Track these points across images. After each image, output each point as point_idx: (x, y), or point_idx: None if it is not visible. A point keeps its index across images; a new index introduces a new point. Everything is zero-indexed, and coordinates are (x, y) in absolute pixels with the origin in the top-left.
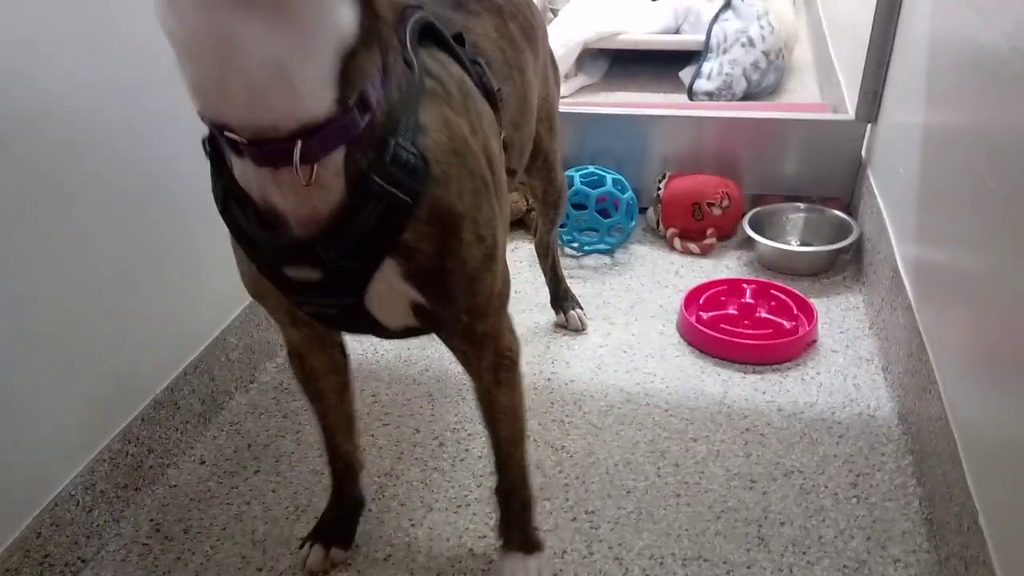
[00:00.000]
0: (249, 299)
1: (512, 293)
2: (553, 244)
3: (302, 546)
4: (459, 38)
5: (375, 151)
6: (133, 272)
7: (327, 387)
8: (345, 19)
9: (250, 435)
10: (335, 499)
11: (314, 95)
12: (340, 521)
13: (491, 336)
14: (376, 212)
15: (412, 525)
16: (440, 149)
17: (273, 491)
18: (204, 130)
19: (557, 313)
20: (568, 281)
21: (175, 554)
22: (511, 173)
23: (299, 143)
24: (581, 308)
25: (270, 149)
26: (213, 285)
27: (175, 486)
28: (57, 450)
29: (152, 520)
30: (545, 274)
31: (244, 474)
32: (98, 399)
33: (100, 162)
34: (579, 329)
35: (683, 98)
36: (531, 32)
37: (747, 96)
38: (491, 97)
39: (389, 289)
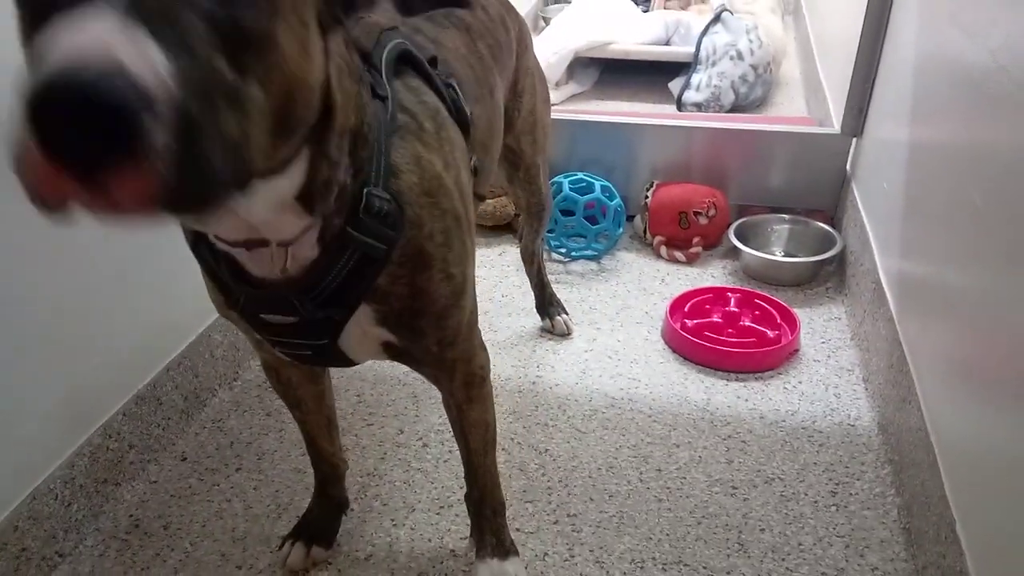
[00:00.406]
0: None
1: (499, 297)
2: (538, 251)
3: (283, 544)
4: (433, 61)
5: (348, 206)
6: (118, 267)
7: (305, 395)
8: (295, 176)
9: (233, 432)
10: (318, 499)
11: (287, 228)
12: (322, 520)
13: (461, 359)
14: (351, 262)
15: (394, 525)
16: (413, 191)
17: (255, 488)
18: None
19: (543, 318)
20: (554, 286)
21: (154, 550)
22: (479, 198)
23: (275, 246)
24: (567, 313)
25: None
26: (199, 281)
27: (155, 482)
28: (37, 444)
29: (131, 516)
30: (531, 280)
31: (226, 471)
32: (79, 393)
33: None
34: (564, 334)
35: (672, 108)
36: (498, 53)
37: (735, 108)
38: (463, 122)
39: (362, 333)
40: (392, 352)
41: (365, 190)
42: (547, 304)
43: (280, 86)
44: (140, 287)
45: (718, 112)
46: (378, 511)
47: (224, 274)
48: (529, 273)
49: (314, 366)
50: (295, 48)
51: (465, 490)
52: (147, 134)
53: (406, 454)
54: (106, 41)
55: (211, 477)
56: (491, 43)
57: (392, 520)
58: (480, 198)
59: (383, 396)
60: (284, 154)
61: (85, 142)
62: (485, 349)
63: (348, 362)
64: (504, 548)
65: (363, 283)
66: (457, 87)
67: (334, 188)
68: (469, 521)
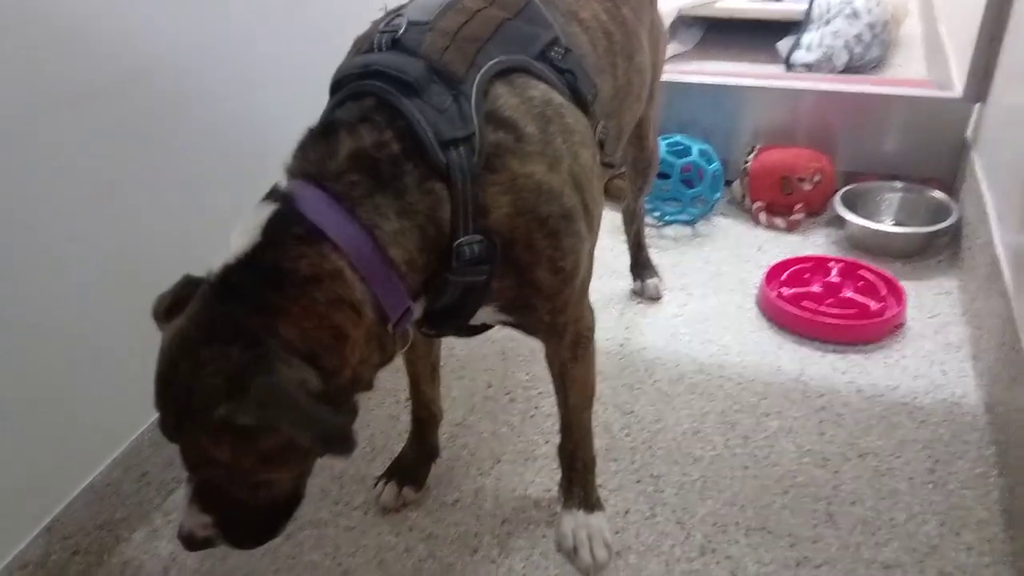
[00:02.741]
0: None
1: None
2: (640, 211)
3: (377, 483)
4: (553, 44)
5: (441, 261)
6: (223, 222)
7: (417, 338)
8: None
9: None
10: (412, 444)
11: None
12: (414, 464)
13: (571, 321)
14: (457, 293)
15: (480, 474)
16: (504, 223)
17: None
18: (305, 87)
19: (634, 280)
20: (647, 250)
21: None
22: (609, 166)
23: None
24: (659, 277)
25: None
26: None
27: None
28: None
29: None
30: (628, 240)
31: None
32: None
33: (205, 115)
34: (655, 298)
35: (778, 69)
36: (641, 12)
37: (848, 70)
38: (583, 103)
39: (482, 317)
40: (509, 324)
41: (455, 244)
42: (641, 266)
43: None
44: None
45: (830, 72)
46: (466, 460)
47: None
48: (628, 233)
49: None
50: (288, 482)
51: (552, 444)
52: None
53: (493, 407)
54: (186, 517)
55: None
56: (635, 5)
57: (479, 469)
58: (608, 165)
59: (474, 351)
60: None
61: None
62: (592, 311)
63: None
64: (590, 502)
65: (473, 304)
66: (576, 69)
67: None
68: (552, 475)
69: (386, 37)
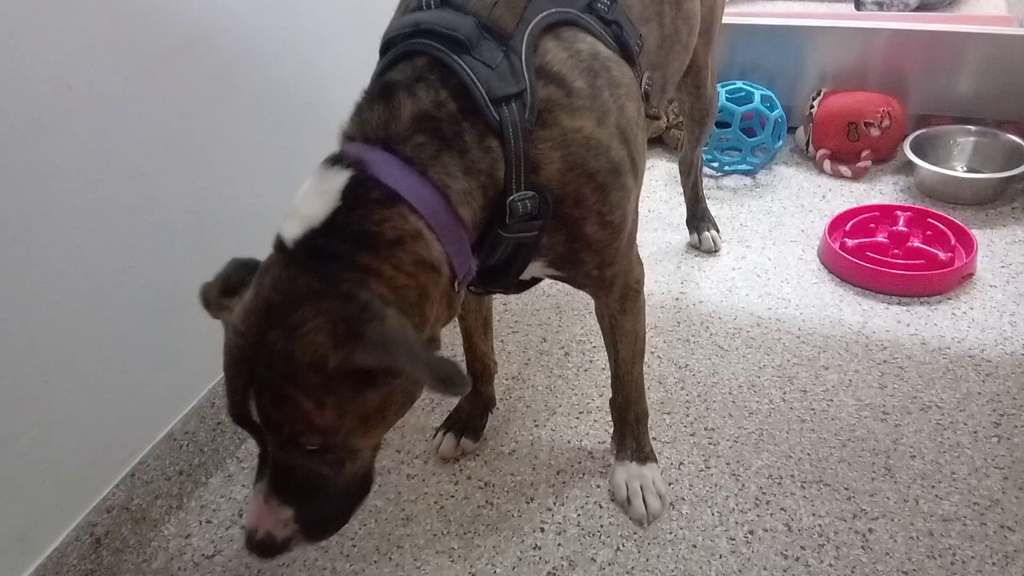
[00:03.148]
0: None
1: (646, 212)
2: (697, 162)
3: (436, 434)
4: None
5: (498, 219)
6: (293, 180)
7: (467, 294)
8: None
9: None
10: (469, 396)
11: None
12: (471, 415)
13: (620, 275)
14: (508, 250)
15: (536, 426)
16: (555, 178)
17: None
18: (362, 47)
19: (691, 233)
20: (705, 201)
21: None
22: (654, 117)
23: None
24: (717, 230)
25: None
26: None
27: None
28: None
29: None
30: (685, 192)
31: None
32: None
33: (267, 76)
34: (711, 251)
35: (847, 8)
36: None
37: (921, 7)
38: (629, 55)
39: (529, 274)
40: (557, 278)
41: (508, 201)
42: (698, 218)
43: (351, 473)
44: None
45: (903, 11)
46: (521, 412)
47: None
48: (684, 184)
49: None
50: (370, 456)
51: (606, 397)
52: (285, 550)
53: (548, 361)
54: (259, 518)
55: None
56: None
57: (534, 421)
58: (653, 117)
59: (528, 306)
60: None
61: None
62: (641, 263)
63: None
64: (643, 454)
65: (523, 259)
66: (622, 20)
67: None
68: (606, 427)
69: None
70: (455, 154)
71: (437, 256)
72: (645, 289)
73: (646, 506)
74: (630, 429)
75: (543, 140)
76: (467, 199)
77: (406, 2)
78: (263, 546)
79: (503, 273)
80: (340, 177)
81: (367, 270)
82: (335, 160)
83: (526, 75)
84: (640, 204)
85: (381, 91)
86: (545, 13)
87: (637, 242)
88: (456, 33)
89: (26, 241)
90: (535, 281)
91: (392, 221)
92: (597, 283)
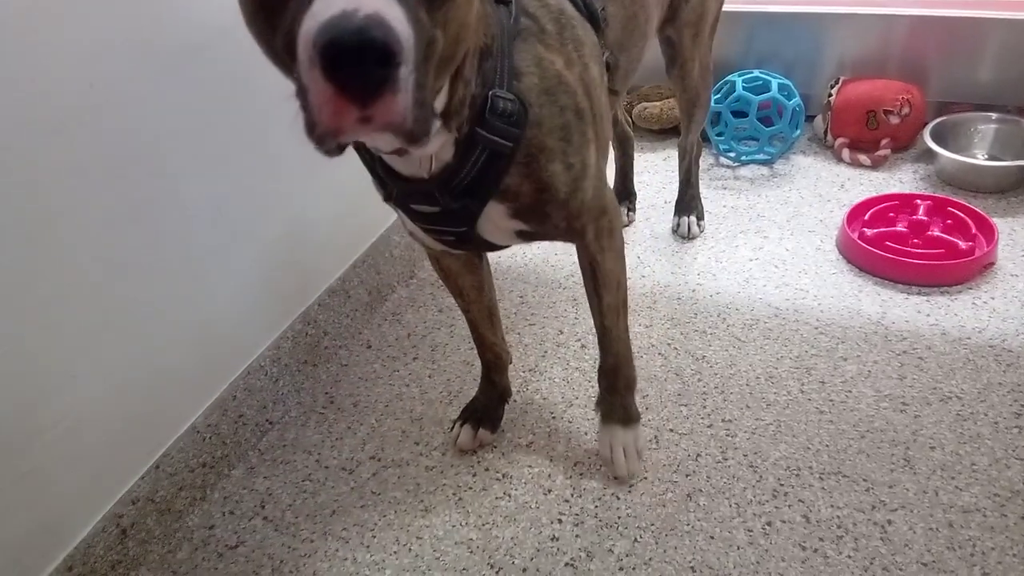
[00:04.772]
0: None
1: (662, 203)
2: (691, 149)
3: (453, 426)
4: None
5: (475, 108)
6: (309, 176)
7: (465, 284)
8: (440, 101)
9: (409, 325)
10: (484, 386)
11: (430, 143)
12: (487, 406)
13: (590, 221)
14: (481, 159)
15: (553, 417)
16: (533, 91)
17: (429, 376)
18: None
19: (673, 216)
20: (720, 192)
21: (346, 423)
22: (614, 93)
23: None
24: (700, 218)
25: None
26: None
27: (346, 365)
28: (251, 327)
29: (327, 393)
30: (679, 176)
31: (404, 359)
32: (284, 285)
33: (271, 82)
34: (685, 236)
35: None
36: None
37: None
38: (594, 19)
39: (495, 225)
40: (525, 236)
41: (490, 93)
42: (684, 203)
43: (454, 31)
44: (329, 193)
45: None
46: (539, 404)
47: (380, 173)
48: (680, 169)
49: (464, 250)
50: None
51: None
52: (402, 72)
53: (565, 353)
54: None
55: (392, 364)
56: None
57: (552, 413)
58: (614, 93)
59: (544, 299)
60: (440, 86)
61: (363, 76)
62: (615, 203)
63: (491, 247)
64: (629, 417)
65: (492, 178)
66: None
67: (467, 102)
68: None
69: None
70: None
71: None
72: (662, 280)
73: (627, 465)
74: (619, 398)
75: (523, 52)
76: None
77: None
78: (371, 24)
79: (475, 191)
80: None
81: None
82: None
83: None
84: (657, 194)
85: None
86: None
87: (653, 233)
88: None
89: (51, 238)
90: (505, 246)
91: None
92: (568, 233)
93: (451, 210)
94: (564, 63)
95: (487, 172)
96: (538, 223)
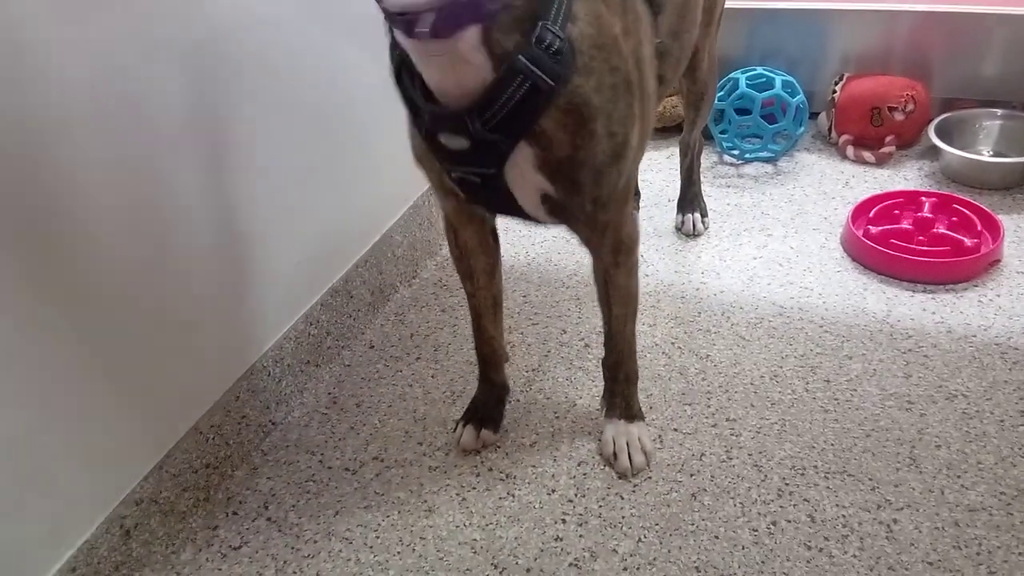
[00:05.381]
0: (413, 200)
1: (665, 202)
2: (694, 145)
3: (456, 426)
4: None
5: (522, 34)
6: (313, 175)
7: (478, 266)
8: None
9: (412, 325)
10: (482, 384)
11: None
12: (488, 405)
13: (612, 225)
14: (520, 91)
15: (556, 417)
16: (587, 41)
17: (432, 376)
18: (385, 41)
19: (676, 214)
20: (724, 190)
21: (349, 424)
22: (662, 81)
23: (424, 14)
24: (704, 215)
25: (408, 19)
26: (381, 187)
27: (349, 365)
28: (253, 327)
29: (330, 393)
30: (681, 173)
31: (407, 359)
32: (286, 285)
33: (290, 71)
34: (690, 234)
35: None
36: None
37: None
38: (652, 2)
39: (521, 174)
40: (550, 205)
41: (540, 23)
42: (687, 201)
43: None
44: (332, 193)
45: None
46: (542, 404)
47: (416, 95)
48: (681, 165)
49: (486, 206)
50: None
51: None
52: None
53: (568, 353)
54: None
55: (395, 364)
56: None
57: (555, 412)
58: (663, 81)
59: (548, 298)
60: None
61: None
62: (636, 225)
63: (515, 207)
64: (631, 413)
65: (529, 114)
66: None
67: (513, 26)
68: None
69: None
70: None
71: None
72: (666, 279)
73: (631, 461)
74: (620, 388)
75: (583, 2)
76: None
77: None
78: None
79: (509, 126)
80: None
81: None
82: None
83: None
84: (660, 192)
85: None
86: None
87: (657, 232)
88: None
89: (53, 239)
90: (527, 217)
91: None
92: (590, 223)
93: (480, 145)
94: (622, 29)
95: (524, 106)
96: (565, 191)
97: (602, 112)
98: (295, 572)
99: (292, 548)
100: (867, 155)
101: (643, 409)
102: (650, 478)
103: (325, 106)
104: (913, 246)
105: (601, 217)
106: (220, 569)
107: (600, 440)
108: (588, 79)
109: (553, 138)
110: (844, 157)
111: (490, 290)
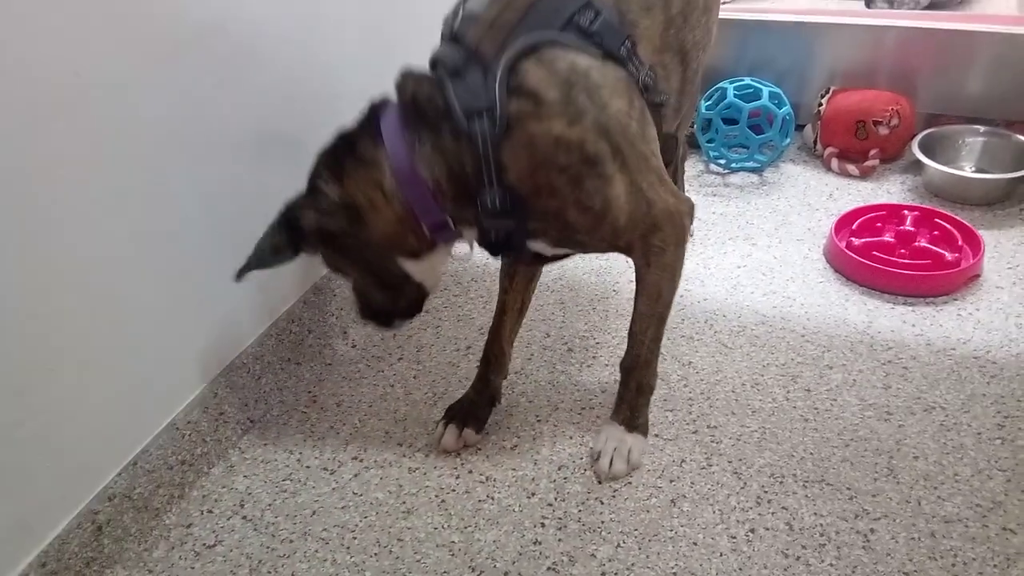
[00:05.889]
0: None
1: None
2: (675, 153)
3: (438, 425)
4: (584, 7)
5: (475, 217)
6: (296, 173)
7: (521, 269)
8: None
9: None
10: (477, 385)
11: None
12: (476, 404)
13: (636, 240)
14: (500, 235)
15: (538, 420)
16: (523, 178)
17: (414, 377)
18: (371, 38)
19: None
20: (710, 199)
21: (328, 423)
22: (658, 105)
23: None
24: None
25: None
26: None
27: (330, 364)
28: (235, 323)
29: (310, 392)
30: None
31: (389, 360)
32: (268, 282)
33: (276, 66)
34: None
35: (857, 5)
36: None
37: (932, 5)
38: (616, 59)
39: (541, 249)
40: (574, 251)
41: (479, 196)
42: None
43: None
44: None
45: (913, 9)
46: (524, 407)
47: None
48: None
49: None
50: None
51: (609, 394)
52: None
53: (551, 357)
54: None
55: (376, 364)
56: None
57: (537, 416)
58: (657, 105)
59: (532, 302)
60: None
61: None
62: (677, 217)
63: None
64: (634, 423)
65: (517, 242)
66: (603, 30)
67: (468, 216)
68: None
69: (447, 29)
70: (430, 130)
71: (388, 186)
72: None
73: (611, 466)
74: (629, 395)
75: (511, 146)
76: (429, 162)
77: (444, 24)
78: None
79: (509, 248)
80: (368, 112)
81: (342, 170)
82: (378, 103)
83: (497, 93)
84: None
85: (410, 85)
86: (523, 39)
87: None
88: (452, 64)
89: (32, 230)
90: (566, 256)
91: (369, 149)
92: (613, 249)
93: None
94: (566, 123)
95: (510, 239)
96: (580, 246)
97: (568, 202)
98: (270, 572)
99: (267, 548)
100: (851, 168)
101: None
102: (630, 483)
103: (313, 102)
104: (895, 259)
105: (620, 242)
106: (193, 567)
107: (595, 437)
108: (540, 197)
109: (547, 232)
110: (829, 169)
111: (523, 294)
